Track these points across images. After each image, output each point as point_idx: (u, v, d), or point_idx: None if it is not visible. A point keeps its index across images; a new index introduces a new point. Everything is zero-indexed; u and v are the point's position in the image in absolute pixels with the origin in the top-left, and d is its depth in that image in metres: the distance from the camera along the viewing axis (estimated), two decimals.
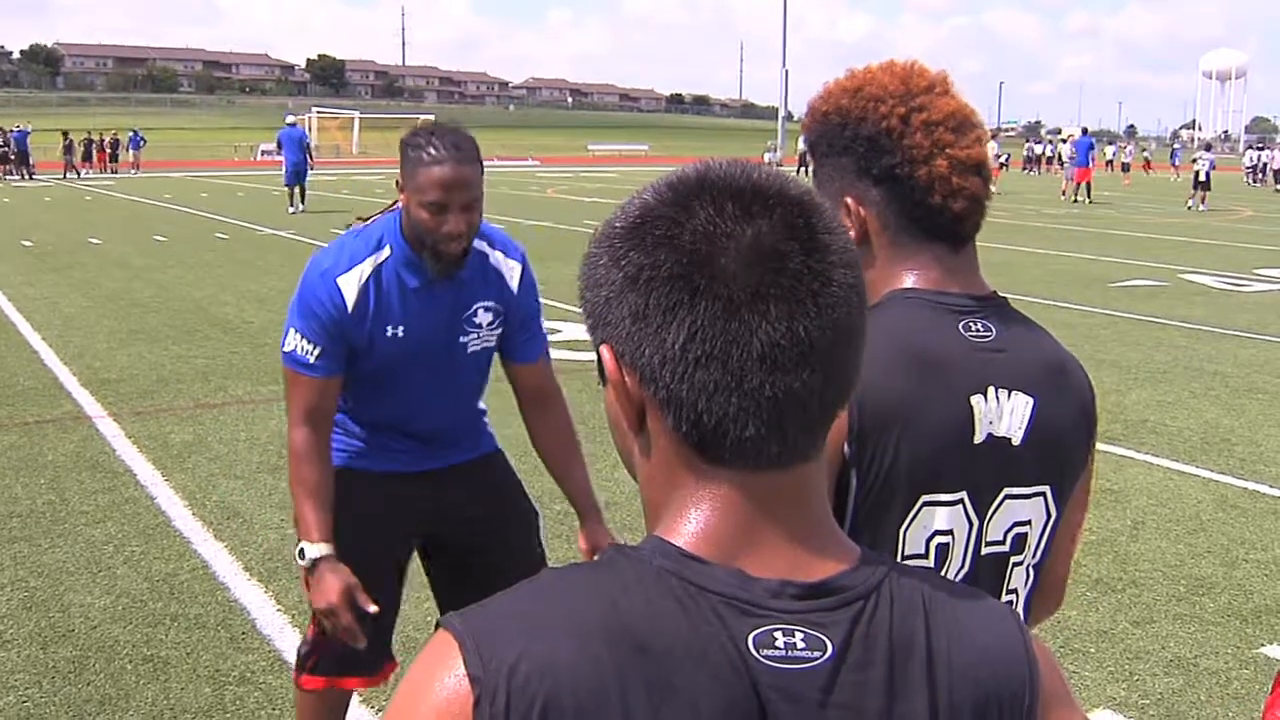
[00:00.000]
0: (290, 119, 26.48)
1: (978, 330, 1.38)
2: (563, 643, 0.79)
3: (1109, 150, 53.12)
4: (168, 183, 35.94)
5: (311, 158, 25.15)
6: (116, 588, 4.60)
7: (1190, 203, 29.58)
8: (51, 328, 10.38)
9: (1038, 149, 54.66)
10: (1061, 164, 39.13)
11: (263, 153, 54.18)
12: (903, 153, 1.37)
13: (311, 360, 2.53)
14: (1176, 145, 79.60)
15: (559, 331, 9.54)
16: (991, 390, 1.36)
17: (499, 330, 2.71)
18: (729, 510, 0.85)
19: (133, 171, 42.65)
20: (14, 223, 21.39)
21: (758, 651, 0.80)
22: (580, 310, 0.90)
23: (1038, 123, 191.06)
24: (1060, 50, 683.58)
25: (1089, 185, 30.46)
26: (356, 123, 64.87)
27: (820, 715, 0.81)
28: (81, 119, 70.37)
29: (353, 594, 2.47)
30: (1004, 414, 1.36)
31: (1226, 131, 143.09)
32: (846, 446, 1.30)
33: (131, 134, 45.42)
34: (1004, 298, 1.45)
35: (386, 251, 2.55)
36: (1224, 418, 7.53)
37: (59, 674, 3.87)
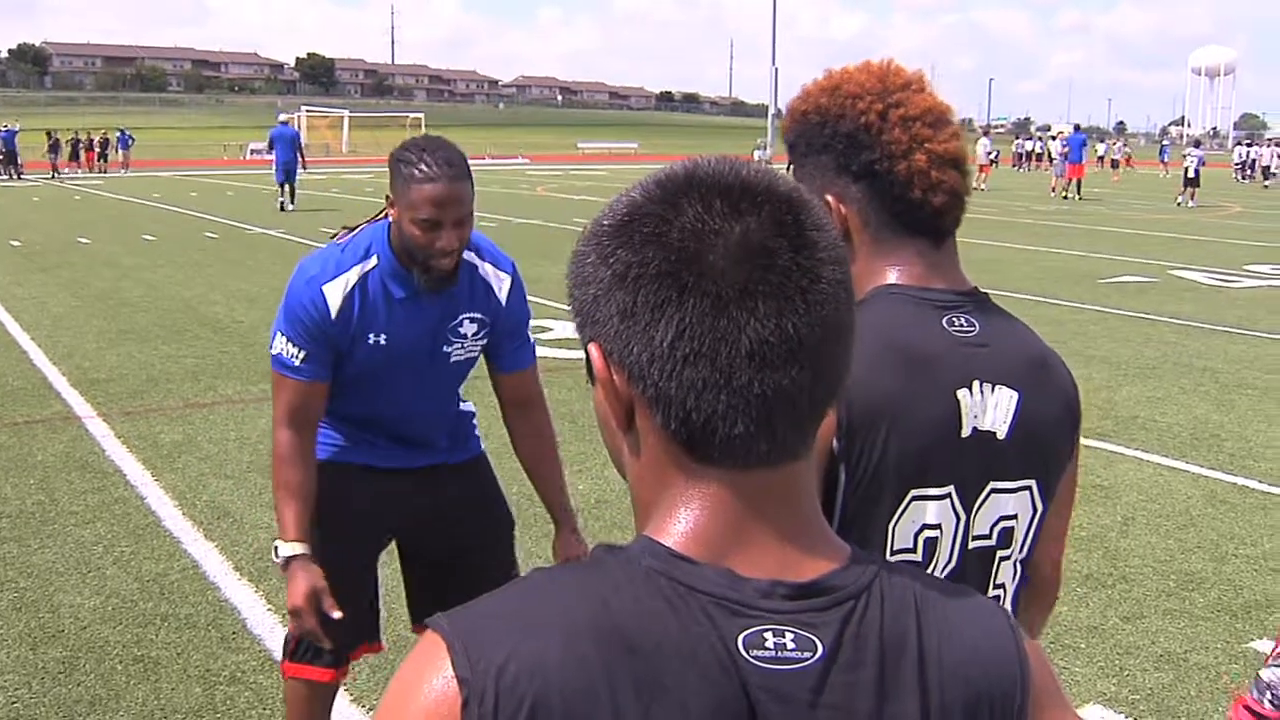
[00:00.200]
0: (283, 117, 26.60)
1: (961, 325, 1.38)
2: (551, 643, 0.78)
3: (1099, 147, 53.18)
4: (157, 182, 35.82)
5: (302, 157, 25.27)
6: (106, 588, 4.59)
7: (1180, 199, 29.64)
8: (40, 328, 10.34)
9: (1028, 146, 54.71)
10: (1051, 161, 39.16)
11: (252, 152, 54.06)
12: (881, 148, 1.38)
13: (297, 363, 2.58)
14: (1165, 142, 79.74)
15: (549, 330, 9.54)
16: (976, 384, 1.36)
17: (484, 341, 2.75)
18: (718, 509, 0.84)
19: (122, 171, 42.52)
20: (2, 223, 21.27)
21: (748, 652, 0.80)
22: (569, 308, 0.90)
23: (1027, 119, 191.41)
24: (1051, 47, 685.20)
25: (1079, 182, 30.52)
26: (346, 121, 64.81)
27: (810, 716, 0.81)
28: (70, 118, 70.19)
29: (319, 597, 2.52)
30: (989, 408, 1.37)
31: (1215, 128, 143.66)
32: (835, 441, 1.31)
33: (120, 133, 45.22)
34: (985, 293, 1.46)
35: (374, 261, 2.58)
36: (1213, 413, 7.55)
37: (49, 675, 3.86)
